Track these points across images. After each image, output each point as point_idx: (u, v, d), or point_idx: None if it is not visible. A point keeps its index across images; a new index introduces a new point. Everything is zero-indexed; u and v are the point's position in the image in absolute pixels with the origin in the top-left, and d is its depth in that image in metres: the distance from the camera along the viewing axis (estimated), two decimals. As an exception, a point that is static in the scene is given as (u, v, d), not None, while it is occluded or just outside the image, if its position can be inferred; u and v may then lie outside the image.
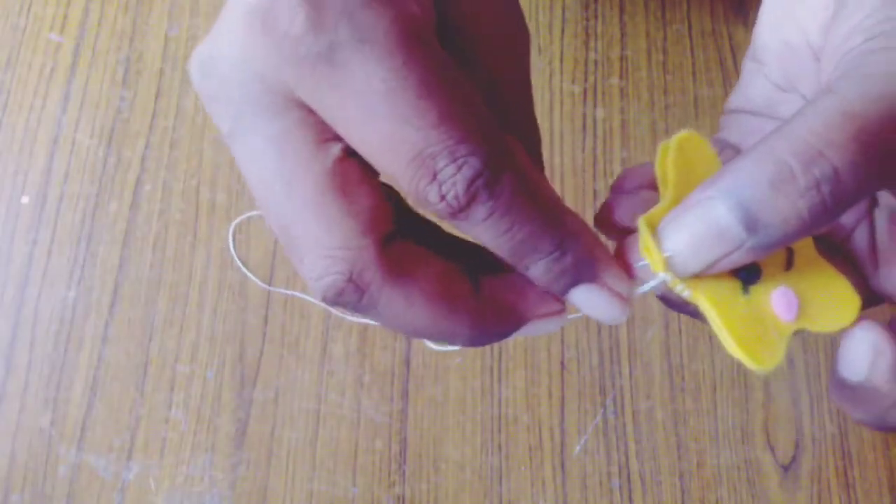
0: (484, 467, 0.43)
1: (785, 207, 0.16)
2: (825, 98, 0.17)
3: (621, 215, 0.21)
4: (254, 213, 0.47)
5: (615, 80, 0.50)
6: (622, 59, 0.51)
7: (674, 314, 0.44)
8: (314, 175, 0.18)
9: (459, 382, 0.44)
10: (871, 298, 0.22)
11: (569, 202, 0.47)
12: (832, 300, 0.20)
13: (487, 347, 0.44)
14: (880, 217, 0.22)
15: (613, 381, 0.44)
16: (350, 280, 0.18)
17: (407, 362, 0.44)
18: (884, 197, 0.22)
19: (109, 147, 0.48)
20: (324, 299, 0.18)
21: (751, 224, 0.17)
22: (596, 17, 0.52)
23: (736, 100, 0.26)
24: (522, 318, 0.19)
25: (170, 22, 0.51)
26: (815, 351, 0.44)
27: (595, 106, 0.49)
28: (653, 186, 0.20)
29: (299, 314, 0.45)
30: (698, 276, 0.18)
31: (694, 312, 0.20)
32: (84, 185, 0.47)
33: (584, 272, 0.18)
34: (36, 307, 0.45)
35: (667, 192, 0.19)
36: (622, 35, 0.51)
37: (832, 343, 0.44)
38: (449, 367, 0.44)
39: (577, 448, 0.43)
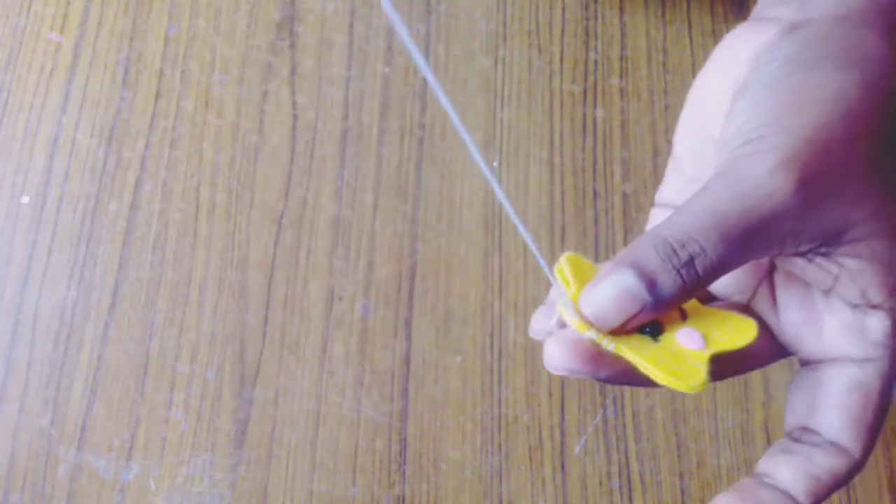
0: (484, 467, 0.43)
1: (672, 273, 0.22)
2: (699, 195, 0.23)
3: (541, 324, 0.26)
4: (254, 212, 0.47)
5: (615, 80, 0.50)
6: (622, 59, 0.51)
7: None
8: None
9: (459, 382, 0.44)
10: (779, 352, 0.27)
11: (569, 202, 0.47)
12: (730, 327, 0.25)
13: (487, 347, 0.45)
14: (778, 277, 0.27)
15: (613, 381, 0.44)
16: None
17: (407, 362, 0.44)
18: (781, 262, 0.27)
19: (109, 147, 0.48)
20: None
21: (651, 287, 0.22)
22: (596, 17, 0.51)
23: (659, 195, 0.31)
24: None
25: (170, 22, 0.51)
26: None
27: (595, 106, 0.49)
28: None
29: (299, 314, 0.45)
30: (615, 334, 0.23)
31: (625, 379, 0.24)
32: (84, 185, 0.47)
33: None
34: (36, 307, 0.45)
35: (571, 286, 0.24)
36: (622, 35, 0.51)
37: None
38: (449, 367, 0.44)
39: (577, 448, 0.43)
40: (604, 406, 0.44)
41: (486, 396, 0.44)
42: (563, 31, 0.51)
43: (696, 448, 0.43)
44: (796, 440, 0.25)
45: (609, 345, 0.23)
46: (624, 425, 0.43)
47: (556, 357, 0.23)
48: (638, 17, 0.51)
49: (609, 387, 0.44)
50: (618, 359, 0.23)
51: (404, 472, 0.42)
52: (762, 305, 0.27)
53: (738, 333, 0.24)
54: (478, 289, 0.46)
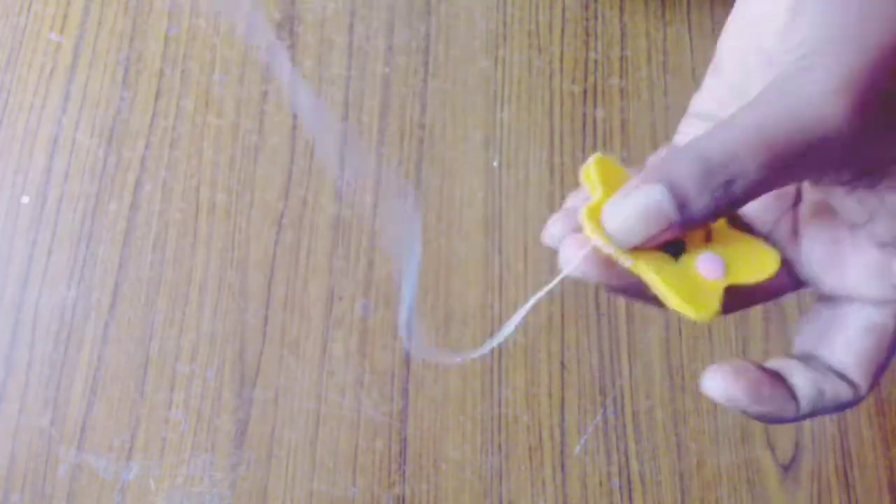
0: (484, 467, 0.43)
1: (707, 195, 0.21)
2: (746, 110, 0.22)
3: (558, 229, 0.25)
4: (254, 212, 0.47)
5: (615, 80, 0.50)
6: (622, 59, 0.51)
7: (674, 314, 0.44)
8: None
9: (459, 382, 0.44)
10: (792, 285, 0.26)
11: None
12: (752, 257, 0.24)
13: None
14: (804, 208, 0.26)
15: (613, 381, 0.44)
16: None
17: (407, 362, 0.44)
18: (807, 193, 0.26)
19: (109, 147, 0.48)
20: None
21: (681, 207, 0.21)
22: (596, 17, 0.52)
23: (696, 103, 0.29)
24: None
25: (170, 22, 0.51)
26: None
27: (595, 106, 0.49)
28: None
29: (299, 314, 0.45)
30: (636, 250, 0.22)
31: (634, 292, 0.24)
32: (84, 185, 0.47)
33: None
34: (36, 307, 0.45)
35: (597, 191, 0.24)
36: (622, 35, 0.51)
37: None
38: (449, 367, 0.44)
39: (577, 448, 0.43)
40: (604, 406, 0.44)
41: (486, 396, 0.44)
42: (563, 31, 0.51)
43: (696, 448, 0.43)
44: (804, 361, 0.25)
45: (627, 261, 0.22)
46: (624, 425, 0.43)
47: (572, 255, 0.23)
48: (638, 17, 0.51)
49: (609, 387, 0.44)
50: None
51: (404, 472, 0.42)
52: (783, 236, 0.26)
53: (759, 266, 0.24)
54: (478, 289, 0.46)
